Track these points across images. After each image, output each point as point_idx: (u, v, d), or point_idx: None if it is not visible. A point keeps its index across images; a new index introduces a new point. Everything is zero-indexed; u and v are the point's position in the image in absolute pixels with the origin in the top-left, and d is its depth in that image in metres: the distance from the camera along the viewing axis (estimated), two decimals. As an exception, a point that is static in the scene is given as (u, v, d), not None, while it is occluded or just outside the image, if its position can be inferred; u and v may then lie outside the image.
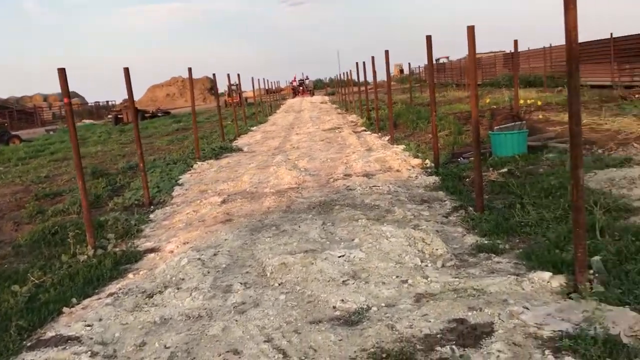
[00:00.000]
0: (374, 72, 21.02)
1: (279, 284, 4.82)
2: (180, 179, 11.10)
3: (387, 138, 14.71)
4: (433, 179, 8.73)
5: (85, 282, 5.57)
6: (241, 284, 4.91)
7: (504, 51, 44.56)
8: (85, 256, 6.23)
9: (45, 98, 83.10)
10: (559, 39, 34.97)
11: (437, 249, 5.24)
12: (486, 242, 5.48)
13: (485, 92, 31.45)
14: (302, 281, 4.77)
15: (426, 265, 4.95)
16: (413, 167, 10.03)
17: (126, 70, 8.92)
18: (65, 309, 4.90)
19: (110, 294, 5.12)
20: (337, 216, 6.82)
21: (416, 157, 11.06)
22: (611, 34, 25.89)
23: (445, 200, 7.37)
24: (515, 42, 13.34)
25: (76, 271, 5.86)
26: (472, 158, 11.16)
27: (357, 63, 23.47)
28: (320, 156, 12.44)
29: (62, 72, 6.40)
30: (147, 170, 11.92)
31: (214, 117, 27.93)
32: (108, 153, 18.52)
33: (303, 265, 5.01)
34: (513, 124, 10.60)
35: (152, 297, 4.91)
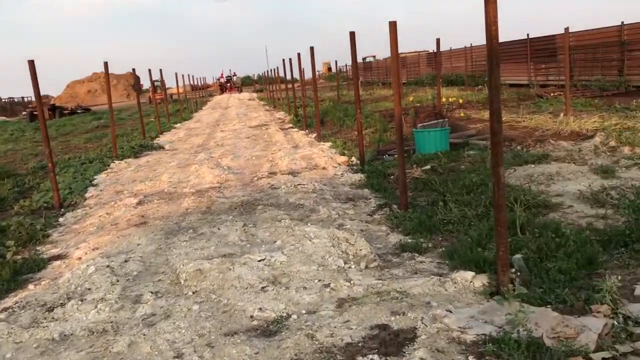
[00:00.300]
0: (301, 69, 20.86)
1: (193, 293, 4.50)
2: (95, 179, 10.46)
3: (314, 135, 14.55)
4: (359, 176, 8.62)
5: (-23, 296, 5.03)
6: (152, 293, 4.55)
7: (427, 51, 45.61)
8: (-21, 266, 5.65)
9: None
10: (480, 39, 36.12)
11: (361, 250, 5.08)
12: (410, 241, 5.38)
13: (410, 90, 32.02)
14: (218, 289, 4.47)
15: (349, 267, 4.77)
16: (339, 164, 9.90)
17: (31, 63, 8.25)
18: (-50, 328, 4.37)
19: (5, 309, 4.62)
20: (260, 217, 6.54)
21: (342, 154, 10.95)
22: (527, 34, 26.93)
23: (370, 198, 7.25)
24: (438, 41, 13.52)
25: (-33, 284, 5.29)
26: (397, 155, 11.21)
27: (283, 60, 23.21)
28: (245, 154, 12.10)
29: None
30: (61, 171, 11.21)
31: (137, 114, 26.89)
32: (19, 152, 17.36)
33: (220, 271, 4.70)
34: (436, 121, 10.67)
35: (52, 310, 4.46)
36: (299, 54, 19.74)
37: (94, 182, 10.16)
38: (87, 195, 9.07)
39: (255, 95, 51.11)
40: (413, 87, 34.77)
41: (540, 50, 26.03)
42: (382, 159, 10.17)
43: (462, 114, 16.28)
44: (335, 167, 9.61)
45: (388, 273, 4.62)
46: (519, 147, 10.20)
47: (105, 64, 13.40)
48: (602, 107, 14.83)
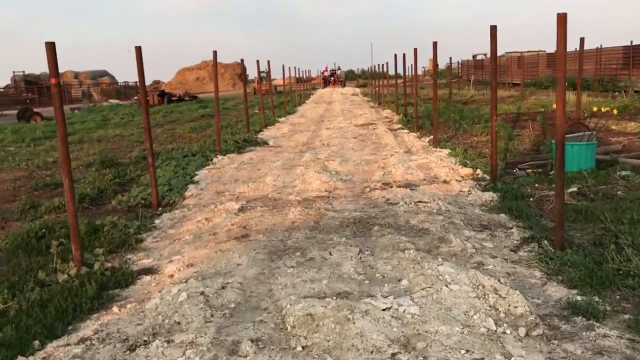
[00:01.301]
0: (415, 64, 19.62)
1: (303, 348, 3.55)
2: (196, 175, 9.89)
3: (427, 139, 13.32)
4: (489, 195, 7.36)
5: (57, 315, 4.38)
6: (252, 341, 3.65)
7: (543, 51, 42.50)
8: (66, 275, 5.05)
9: (76, 75, 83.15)
10: (609, 41, 32.69)
11: (515, 306, 3.91)
12: (579, 298, 4.13)
13: (527, 92, 29.71)
14: (334, 347, 3.49)
15: (504, 333, 3.62)
16: (463, 178, 8.67)
17: (138, 49, 7.71)
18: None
19: (83, 340, 3.91)
20: (378, 242, 5.52)
21: (464, 165, 9.68)
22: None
23: (510, 228, 6.01)
24: (582, 40, 11.81)
25: (51, 296, 4.68)
26: (530, 170, 9.77)
27: (395, 55, 22.06)
28: (354, 157, 11.12)
29: (50, 47, 5.20)
30: (162, 163, 10.79)
31: (242, 104, 26.82)
32: (126, 138, 17.46)
33: (336, 320, 3.72)
34: (582, 134, 9.14)
35: (134, 350, 3.68)
36: (415, 50, 18.52)
37: (195, 178, 9.59)
38: (186, 193, 8.46)
39: (358, 90, 50.22)
40: (531, 89, 32.31)
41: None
42: (513, 174, 8.82)
43: (599, 124, 14.30)
44: (459, 181, 8.38)
45: (560, 349, 3.43)
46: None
47: (214, 53, 12.92)
48: None
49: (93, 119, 26.53)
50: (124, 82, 78.28)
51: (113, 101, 48.33)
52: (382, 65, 34.17)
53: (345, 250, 5.25)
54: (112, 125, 23.65)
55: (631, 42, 27.34)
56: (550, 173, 8.92)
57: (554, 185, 7.91)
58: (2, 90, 63.59)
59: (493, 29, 7.69)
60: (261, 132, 17.05)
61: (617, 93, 23.64)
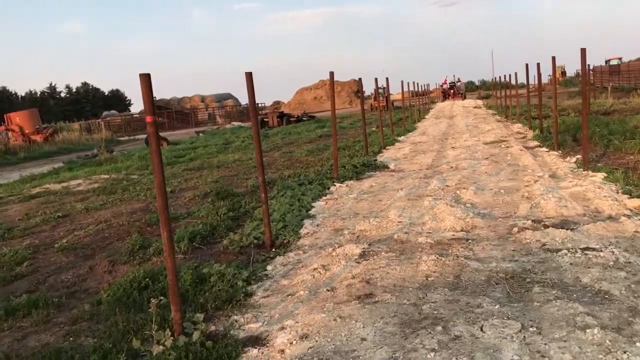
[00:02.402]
0: (539, 75, 17.71)
1: None
2: (312, 207, 9.05)
3: (574, 159, 11.54)
4: (679, 239, 5.74)
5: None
6: None
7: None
8: (162, 347, 4.30)
9: (203, 99, 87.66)
10: None
11: None
12: None
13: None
14: None
15: None
16: (632, 211, 7.03)
17: (248, 75, 7.01)
18: None
19: None
20: (543, 311, 4.23)
21: (629, 194, 7.97)
22: None
23: None
24: None
25: (141, 376, 3.94)
26: None
27: (527, 64, 20.12)
28: (489, 183, 9.72)
29: (145, 79, 4.54)
30: (278, 193, 10.10)
31: (359, 122, 26.02)
32: (244, 163, 17.21)
33: None
34: None
35: None
36: (538, 64, 16.83)
37: (311, 212, 8.74)
38: (302, 231, 7.60)
39: (480, 102, 47.73)
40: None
41: None
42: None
43: None
44: (629, 216, 6.76)
45: None
46: None
47: (331, 74, 12.18)
48: None
49: (215, 143, 27.02)
50: (246, 103, 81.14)
51: (235, 123, 49.81)
52: (506, 75, 31.78)
53: (501, 326, 4.02)
54: (232, 149, 23.82)
55: None
56: None
57: None
58: (137, 115, 68.36)
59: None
60: (380, 154, 16.02)
61: None
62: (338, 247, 6.58)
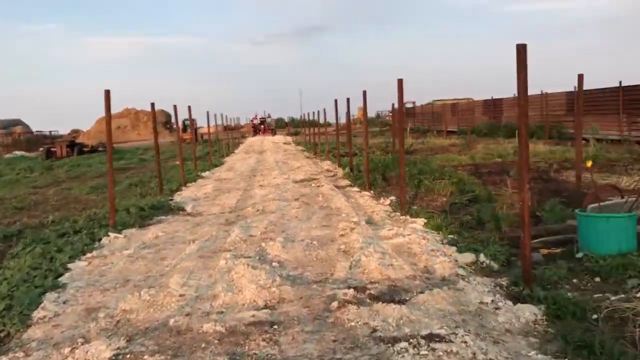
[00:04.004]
0: (348, 113, 17.20)
1: None
2: (68, 271, 6.57)
3: (388, 201, 10.58)
4: (528, 310, 4.56)
5: None
6: None
7: (469, 99, 41.70)
8: None
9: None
10: (553, 87, 31.83)
11: None
12: None
13: (471, 140, 28.03)
14: None
15: None
16: (466, 269, 5.87)
17: (107, 92, 4.50)
18: None
19: None
20: None
21: (454, 244, 6.93)
22: (620, 82, 22.93)
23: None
24: (580, 77, 9.53)
25: None
26: (546, 251, 7.12)
27: (335, 100, 19.58)
28: (301, 232, 8.15)
29: None
30: (23, 249, 7.40)
31: (164, 154, 23.43)
32: (7, 202, 13.74)
33: None
34: (625, 200, 6.61)
35: None
36: (348, 99, 16.43)
37: (63, 278, 6.26)
38: (35, 314, 5.13)
39: (290, 139, 47.71)
40: (471, 137, 30.68)
41: (638, 100, 21.91)
42: (532, 260, 6.09)
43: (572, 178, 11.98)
44: (464, 277, 5.56)
45: None
46: None
47: (152, 105, 10.06)
48: None
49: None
50: (37, 131, 72.67)
51: (18, 153, 43.37)
52: (314, 112, 31.85)
53: None
54: (2, 182, 19.74)
55: (574, 87, 26.19)
56: (578, 255, 6.32)
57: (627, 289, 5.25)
58: None
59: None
60: (179, 192, 13.81)
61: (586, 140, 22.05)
62: (81, 344, 4.31)
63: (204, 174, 18.34)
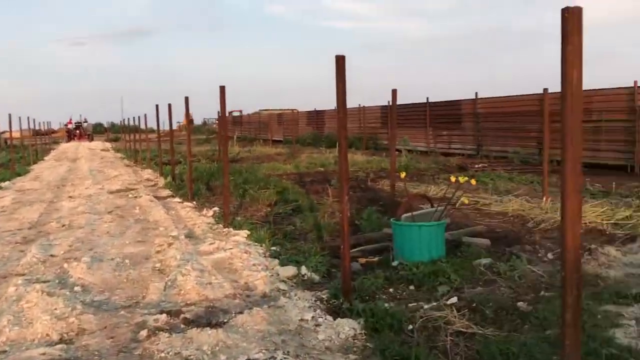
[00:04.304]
0: (170, 120, 16.46)
1: None
2: None
3: (211, 212, 10.18)
4: (349, 326, 4.50)
5: None
6: None
7: (294, 109, 42.89)
8: None
9: None
10: (367, 101, 33.71)
11: None
12: None
13: (295, 149, 28.67)
14: None
15: None
16: (288, 284, 5.72)
17: None
18: None
19: None
20: None
21: (277, 257, 6.78)
22: (427, 98, 25.06)
23: None
24: (394, 92, 10.03)
25: None
26: (364, 260, 7.26)
27: (157, 105, 18.58)
28: (111, 249, 7.40)
29: None
30: None
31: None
32: None
33: None
34: (434, 209, 6.97)
35: None
36: (169, 105, 15.78)
37: None
38: None
39: (109, 145, 44.79)
40: (298, 146, 31.44)
41: (442, 115, 24.11)
42: (352, 270, 6.14)
43: (386, 186, 12.64)
44: (286, 292, 5.40)
45: None
46: (549, 256, 6.78)
47: None
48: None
49: None
50: None
51: None
52: (135, 118, 30.26)
53: None
54: None
55: (388, 102, 28.05)
56: (394, 263, 6.53)
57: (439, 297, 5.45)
58: None
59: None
60: (-32, 206, 11.97)
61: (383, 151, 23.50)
62: None
63: (2, 185, 16.22)
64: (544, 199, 10.10)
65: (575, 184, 2.41)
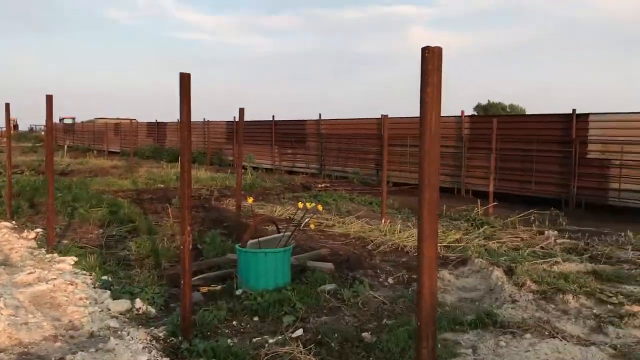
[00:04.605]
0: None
1: None
2: None
3: (33, 235, 9.06)
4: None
5: None
6: None
7: (133, 119, 40.92)
8: None
9: None
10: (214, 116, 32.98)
11: None
12: None
13: (133, 162, 27.12)
14: None
15: None
16: (120, 320, 5.15)
17: None
18: None
19: None
20: None
21: (109, 288, 6.14)
22: (273, 116, 25.22)
23: None
24: (241, 111, 9.73)
25: None
26: (206, 289, 6.85)
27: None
28: None
29: None
30: None
31: None
32: None
33: None
34: (282, 235, 6.77)
35: None
36: None
37: None
38: None
39: None
40: (136, 159, 29.77)
41: (288, 134, 24.40)
42: (192, 301, 5.74)
43: (228, 204, 12.33)
44: (117, 330, 4.85)
45: None
46: (389, 280, 6.94)
47: None
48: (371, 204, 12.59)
49: None
50: None
51: None
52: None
53: None
54: None
55: (234, 117, 27.80)
56: (238, 291, 6.25)
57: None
58: None
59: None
60: None
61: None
62: None
63: None
64: (383, 221, 10.49)
65: (432, 229, 2.33)
